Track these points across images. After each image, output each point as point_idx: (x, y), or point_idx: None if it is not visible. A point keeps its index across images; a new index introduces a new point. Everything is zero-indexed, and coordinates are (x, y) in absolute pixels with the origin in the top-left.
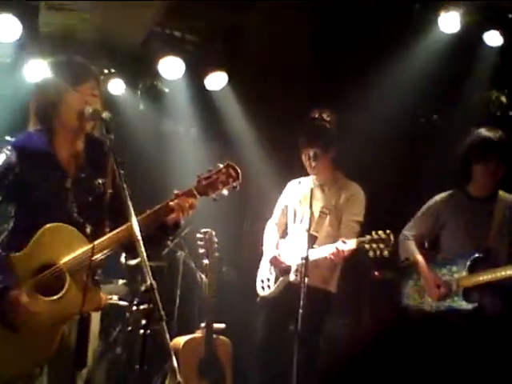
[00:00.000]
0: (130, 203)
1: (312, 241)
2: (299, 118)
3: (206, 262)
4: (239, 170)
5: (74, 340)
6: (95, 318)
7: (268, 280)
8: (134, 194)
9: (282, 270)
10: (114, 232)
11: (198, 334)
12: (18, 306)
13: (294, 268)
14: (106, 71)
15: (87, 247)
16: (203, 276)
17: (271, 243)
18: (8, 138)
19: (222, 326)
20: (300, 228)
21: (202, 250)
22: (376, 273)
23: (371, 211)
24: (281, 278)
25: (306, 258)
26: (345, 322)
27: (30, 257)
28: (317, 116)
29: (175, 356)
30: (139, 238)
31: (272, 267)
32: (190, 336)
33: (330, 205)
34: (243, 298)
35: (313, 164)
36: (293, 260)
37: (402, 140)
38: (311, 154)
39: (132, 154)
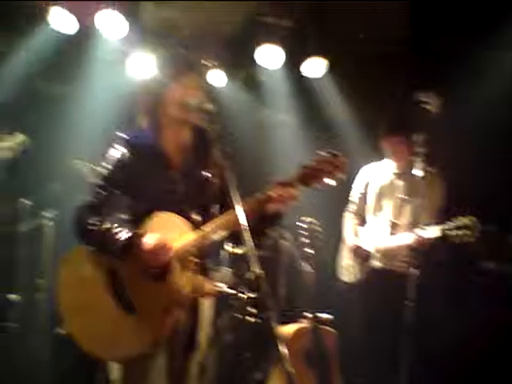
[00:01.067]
0: (235, 192)
1: (393, 229)
2: (401, 103)
3: (308, 251)
4: (345, 160)
5: (187, 326)
6: (207, 305)
7: (351, 267)
8: (237, 184)
9: (364, 257)
10: (220, 220)
11: (305, 324)
12: (147, 250)
13: (376, 255)
14: (207, 63)
15: (195, 235)
16: (307, 266)
17: (351, 231)
18: (119, 133)
19: (329, 316)
20: (380, 216)
21: (304, 240)
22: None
23: (459, 200)
24: (364, 266)
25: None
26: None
27: None
28: (422, 99)
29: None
30: (245, 226)
31: (353, 255)
32: (296, 326)
33: (411, 192)
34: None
35: (419, 149)
36: (373, 247)
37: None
38: (420, 138)
39: (233, 144)
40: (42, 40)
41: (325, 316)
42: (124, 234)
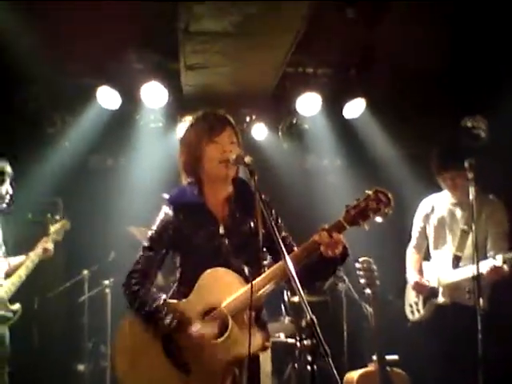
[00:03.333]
0: (280, 241)
1: (456, 261)
2: (444, 132)
3: (368, 291)
4: (390, 195)
5: (246, 381)
6: (266, 357)
7: (416, 304)
8: (288, 230)
9: (429, 294)
10: (269, 271)
11: (371, 367)
12: (200, 334)
13: (440, 290)
14: (248, 118)
15: (245, 288)
16: (368, 307)
17: (412, 267)
18: (165, 195)
19: (395, 357)
20: (443, 249)
21: (362, 280)
22: None
23: None
24: (429, 302)
25: (477, 278)
26: None
27: (194, 303)
28: (469, 124)
29: None
30: (293, 274)
31: (416, 291)
32: (363, 370)
33: (471, 221)
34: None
35: (469, 175)
36: (439, 281)
37: None
38: (466, 164)
39: (281, 193)
40: (90, 116)
41: (392, 357)
42: (168, 321)
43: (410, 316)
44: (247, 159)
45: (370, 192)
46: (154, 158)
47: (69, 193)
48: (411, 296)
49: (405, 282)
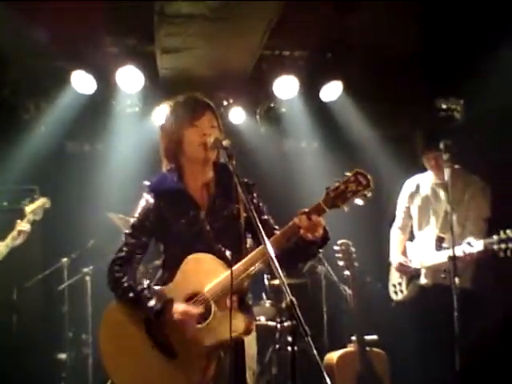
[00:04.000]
0: (260, 225)
1: (439, 242)
2: (420, 112)
3: (346, 273)
4: (369, 177)
5: (230, 364)
6: (251, 340)
7: (400, 284)
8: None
9: (412, 275)
10: (250, 255)
11: (351, 348)
12: (189, 314)
13: (423, 271)
14: (225, 102)
15: (227, 273)
16: (346, 288)
17: (396, 248)
18: (146, 182)
19: (374, 337)
20: (426, 230)
21: (340, 262)
22: None
23: (502, 209)
24: (412, 283)
25: (454, 258)
26: None
27: (177, 288)
28: (443, 106)
29: (330, 371)
30: (273, 258)
31: (399, 272)
32: (342, 350)
33: (455, 203)
34: (390, 306)
35: (444, 157)
36: (422, 263)
37: None
38: (441, 145)
39: (260, 176)
40: (65, 102)
41: (371, 337)
42: (153, 303)
43: (393, 296)
44: (225, 142)
45: (349, 174)
46: (131, 143)
47: (46, 180)
48: (395, 276)
49: (383, 263)
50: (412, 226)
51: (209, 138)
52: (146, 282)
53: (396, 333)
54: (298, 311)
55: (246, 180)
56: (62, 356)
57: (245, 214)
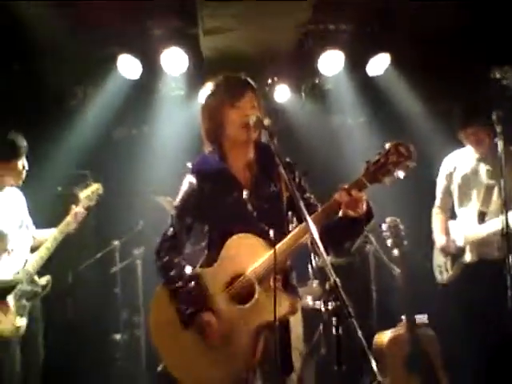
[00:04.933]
0: (301, 205)
1: (482, 217)
2: (472, 84)
3: (395, 252)
4: (411, 148)
5: (279, 346)
6: (296, 321)
7: (445, 264)
8: (315, 192)
9: (456, 253)
10: (292, 234)
11: (400, 328)
12: (210, 328)
13: (467, 248)
14: (269, 81)
15: (270, 252)
16: (396, 268)
17: (438, 228)
18: (188, 163)
19: (424, 318)
20: (467, 206)
21: (389, 241)
22: None
23: None
24: (457, 261)
25: (506, 232)
26: None
27: (221, 270)
28: (498, 75)
29: (380, 352)
30: (316, 237)
31: (443, 252)
32: (392, 331)
33: (496, 177)
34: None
35: (497, 129)
36: (465, 238)
37: None
38: (494, 116)
39: (306, 155)
40: (112, 87)
41: (420, 318)
42: (189, 306)
43: (438, 277)
44: (266, 122)
45: (389, 146)
46: (177, 126)
47: (95, 165)
48: (439, 257)
49: (433, 242)
50: (453, 205)
51: (250, 118)
52: (189, 268)
53: (444, 313)
54: (342, 292)
55: (287, 160)
56: (116, 337)
57: (287, 193)
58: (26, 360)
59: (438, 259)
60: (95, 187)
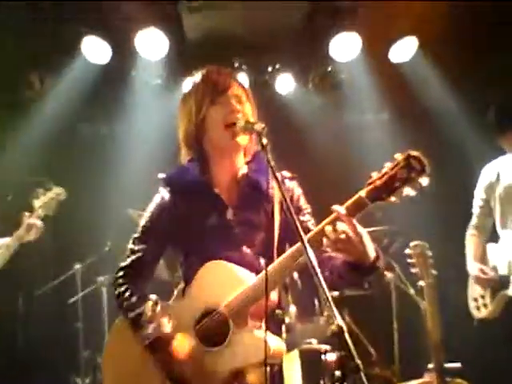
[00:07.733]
0: (299, 226)
1: None
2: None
3: (421, 283)
4: (425, 161)
5: None
6: (291, 367)
7: (483, 298)
8: (322, 200)
9: (497, 284)
10: (281, 257)
11: (427, 378)
12: (170, 357)
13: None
14: (270, 69)
15: (250, 283)
16: (423, 302)
17: (472, 254)
18: (160, 174)
19: (458, 365)
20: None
21: (414, 270)
22: None
23: None
24: (498, 294)
25: None
26: None
27: (192, 303)
28: None
29: None
30: (314, 263)
31: (479, 283)
32: (417, 381)
33: None
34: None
35: None
36: (509, 268)
37: None
38: None
39: (313, 159)
40: (75, 74)
41: (454, 365)
42: (149, 332)
43: (475, 313)
44: (257, 126)
45: (400, 157)
46: (154, 123)
47: (56, 169)
48: (475, 289)
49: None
50: (494, 224)
51: (239, 121)
52: (153, 297)
53: (482, 358)
54: (349, 340)
55: (286, 174)
56: (77, 381)
57: (281, 216)
58: None
59: (474, 291)
60: (54, 193)
